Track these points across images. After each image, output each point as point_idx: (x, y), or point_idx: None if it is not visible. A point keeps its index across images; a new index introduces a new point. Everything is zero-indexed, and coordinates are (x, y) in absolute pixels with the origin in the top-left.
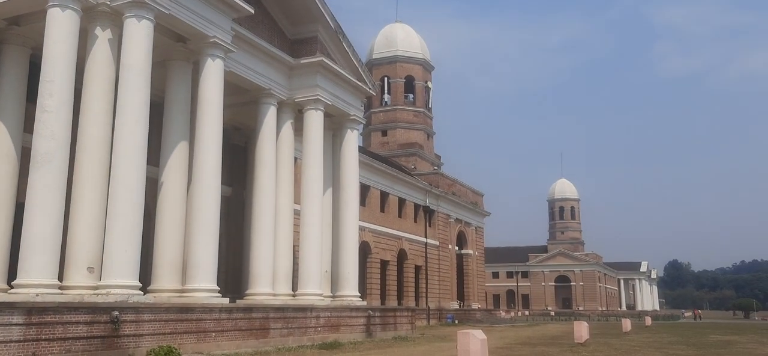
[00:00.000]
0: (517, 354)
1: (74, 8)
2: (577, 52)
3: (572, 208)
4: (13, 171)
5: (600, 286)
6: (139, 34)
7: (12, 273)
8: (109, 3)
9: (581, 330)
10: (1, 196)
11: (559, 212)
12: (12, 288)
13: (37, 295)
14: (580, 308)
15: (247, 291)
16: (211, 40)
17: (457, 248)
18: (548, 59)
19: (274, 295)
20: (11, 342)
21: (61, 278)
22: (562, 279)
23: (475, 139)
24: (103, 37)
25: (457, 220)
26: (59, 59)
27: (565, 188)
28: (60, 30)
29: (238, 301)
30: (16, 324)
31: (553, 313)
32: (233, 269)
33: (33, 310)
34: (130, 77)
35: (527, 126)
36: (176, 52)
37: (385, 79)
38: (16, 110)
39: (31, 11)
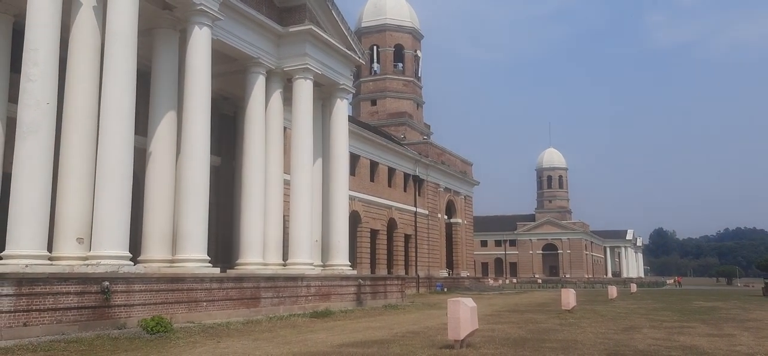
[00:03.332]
0: (506, 321)
1: None
2: (566, 23)
3: (560, 177)
4: None
5: (587, 254)
6: (124, 1)
7: (1, 245)
8: None
9: (568, 297)
10: None
11: (548, 181)
12: (1, 259)
13: (27, 266)
14: (567, 275)
15: (238, 261)
16: (198, 7)
17: (446, 217)
18: (538, 30)
19: (265, 265)
20: (2, 312)
21: (50, 249)
22: (550, 247)
23: (465, 109)
24: (87, 4)
25: (447, 189)
26: (43, 27)
27: (553, 157)
28: None
29: (228, 271)
30: (6, 295)
31: (540, 281)
32: (223, 239)
33: (23, 281)
34: (116, 45)
35: (517, 96)
36: (163, 20)
37: (375, 48)
38: (1, 79)
39: None
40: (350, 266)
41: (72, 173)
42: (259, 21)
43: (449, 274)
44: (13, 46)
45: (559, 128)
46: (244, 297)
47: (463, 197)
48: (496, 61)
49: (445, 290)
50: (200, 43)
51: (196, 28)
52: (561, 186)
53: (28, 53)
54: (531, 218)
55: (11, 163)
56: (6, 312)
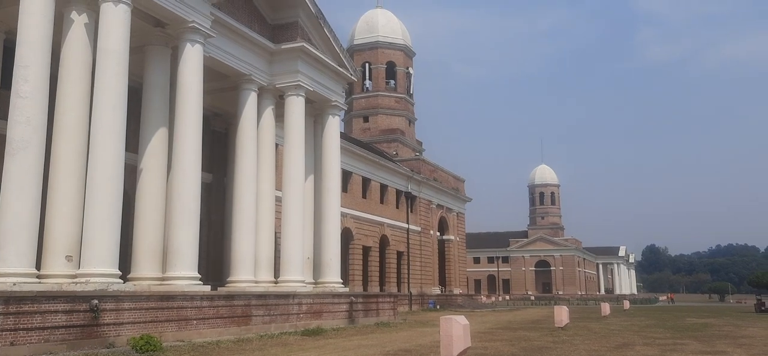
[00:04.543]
0: (498, 339)
1: None
2: (558, 41)
3: (552, 193)
4: None
5: (579, 270)
6: (115, 18)
7: None
8: None
9: (561, 315)
10: None
11: (540, 198)
12: None
13: (15, 284)
14: (560, 292)
15: (229, 279)
16: (190, 24)
17: (438, 233)
18: (530, 48)
19: (256, 282)
20: None
21: (38, 267)
22: (542, 264)
23: (457, 126)
24: (79, 21)
25: (439, 206)
26: (34, 44)
27: (545, 173)
28: (35, 14)
29: (219, 289)
30: None
31: (533, 298)
32: (214, 256)
33: (10, 299)
34: (107, 62)
35: (509, 113)
36: (154, 37)
37: (367, 65)
38: None
39: None
40: (342, 283)
41: (61, 190)
42: (251, 38)
43: (442, 291)
44: (4, 62)
45: (551, 145)
46: (235, 315)
47: (455, 213)
48: (487, 78)
49: (438, 307)
50: (192, 60)
51: (188, 45)
52: (553, 203)
53: (19, 70)
54: (523, 234)
55: (0, 180)
56: None
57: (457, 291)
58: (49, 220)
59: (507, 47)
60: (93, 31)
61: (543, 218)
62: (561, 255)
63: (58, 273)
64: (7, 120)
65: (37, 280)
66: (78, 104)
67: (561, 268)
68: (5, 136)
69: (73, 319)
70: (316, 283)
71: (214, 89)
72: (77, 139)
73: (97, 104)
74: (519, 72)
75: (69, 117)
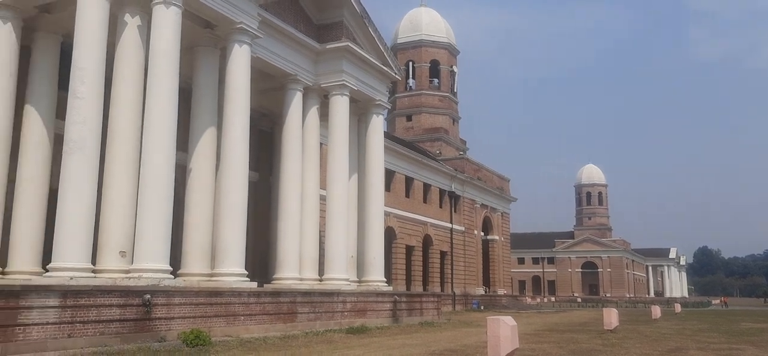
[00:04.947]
0: (546, 341)
1: None
2: (605, 37)
3: (600, 193)
4: (46, 157)
5: (628, 273)
6: (167, 20)
7: (47, 257)
8: None
9: (610, 317)
10: (36, 182)
11: (587, 198)
12: (47, 271)
13: (71, 278)
14: (607, 294)
15: (274, 276)
16: (238, 25)
17: (482, 233)
18: (575, 44)
19: (301, 280)
20: (48, 324)
21: (94, 262)
22: (589, 266)
23: (502, 124)
24: (132, 23)
25: (483, 205)
26: (90, 46)
27: (592, 173)
28: (90, 17)
29: (265, 286)
30: (52, 307)
31: (579, 300)
32: (260, 253)
33: (68, 293)
34: (159, 64)
35: (555, 111)
36: (204, 38)
37: (410, 63)
38: (49, 97)
39: None
40: (386, 282)
41: (115, 188)
42: (296, 38)
43: (486, 292)
44: (61, 64)
45: (599, 144)
46: (281, 312)
47: (500, 213)
48: (533, 76)
49: (482, 308)
50: (240, 60)
51: (236, 45)
52: (600, 203)
53: (75, 71)
54: (569, 235)
55: (58, 178)
56: (52, 324)
57: (501, 291)
58: (103, 216)
59: (552, 44)
60: (145, 33)
61: (590, 218)
62: (609, 257)
63: (112, 268)
64: (64, 120)
65: (93, 275)
66: (131, 105)
67: (609, 270)
68: (62, 136)
69: (126, 313)
70: (360, 282)
71: (260, 89)
72: (130, 138)
73: (149, 104)
74: (565, 69)
75: (123, 117)
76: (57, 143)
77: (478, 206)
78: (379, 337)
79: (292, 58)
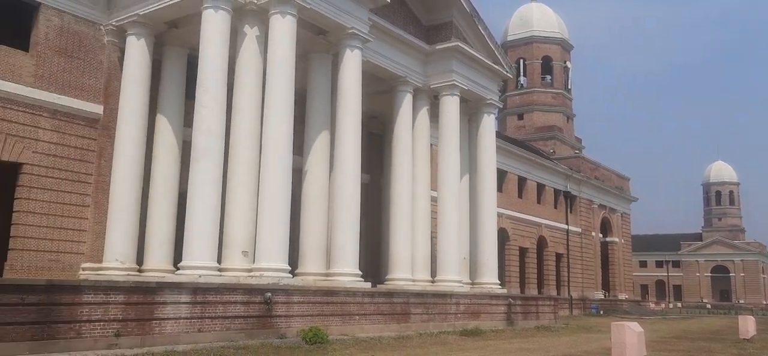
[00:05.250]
0: (675, 349)
1: (225, 8)
2: (732, 26)
3: (731, 192)
4: (175, 163)
5: (764, 277)
6: (283, 29)
7: (177, 256)
8: (256, 1)
9: (747, 325)
10: (166, 185)
11: (716, 198)
12: (178, 269)
13: (200, 276)
14: (741, 301)
15: (387, 277)
16: (350, 31)
17: (601, 235)
18: (699, 34)
19: (414, 281)
20: (180, 318)
21: (219, 260)
22: (720, 270)
23: (620, 120)
24: (251, 34)
25: (601, 206)
26: (213, 57)
27: (722, 171)
28: (214, 29)
29: (378, 286)
30: (183, 303)
31: (709, 306)
32: (372, 254)
33: (197, 290)
34: (276, 71)
35: (677, 106)
36: (317, 45)
37: (521, 61)
38: (177, 106)
39: (188, 14)
40: (500, 284)
41: (237, 191)
42: (406, 40)
43: (605, 296)
44: (187, 76)
45: (728, 139)
46: (395, 312)
47: (619, 214)
48: (652, 69)
49: (601, 312)
50: (351, 64)
51: (348, 50)
52: (732, 202)
53: (201, 82)
54: (697, 237)
55: (186, 182)
56: (184, 319)
57: (622, 296)
58: (227, 218)
59: (674, 35)
60: (263, 42)
61: (720, 219)
62: (742, 260)
63: (236, 267)
64: (190, 128)
65: (218, 273)
66: (251, 111)
67: (742, 274)
68: (189, 142)
69: (249, 310)
70: (473, 283)
71: (371, 92)
72: (251, 144)
73: (267, 110)
74: (688, 61)
75: (243, 124)
76: (185, 149)
77: (596, 206)
78: (494, 340)
79: (401, 61)
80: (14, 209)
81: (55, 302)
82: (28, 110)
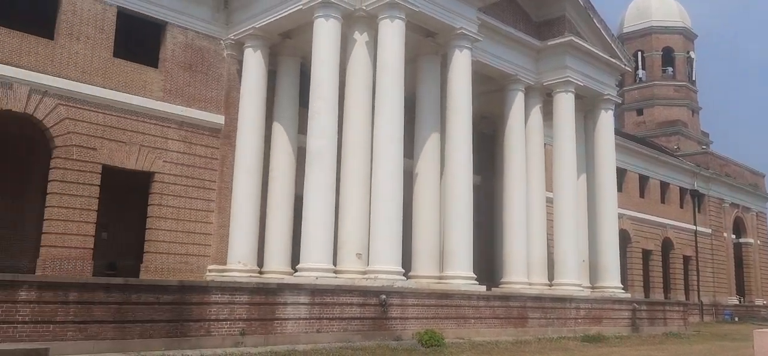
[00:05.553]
0: None
1: (336, 17)
2: None
3: None
4: (291, 168)
5: None
6: (392, 33)
7: (294, 258)
8: (365, 8)
9: None
10: (283, 190)
11: None
12: (296, 271)
13: (317, 278)
14: None
15: (502, 280)
16: (458, 31)
17: (733, 236)
18: None
19: (530, 284)
20: (300, 319)
21: (334, 263)
22: None
23: (753, 113)
24: (360, 40)
25: (733, 205)
26: (326, 64)
27: None
28: (325, 37)
29: (493, 289)
30: (302, 304)
31: None
32: (485, 257)
33: (315, 291)
34: (386, 76)
35: None
36: (425, 47)
37: (638, 53)
38: (292, 113)
39: (300, 24)
40: (623, 288)
41: (350, 194)
42: (516, 38)
43: (740, 301)
44: (300, 84)
45: None
46: (511, 317)
47: (754, 213)
48: None
49: (736, 319)
50: (461, 65)
51: (457, 51)
52: None
53: (314, 89)
54: None
55: (302, 186)
56: (303, 319)
57: (758, 301)
58: (341, 220)
59: None
60: (373, 48)
61: None
62: None
63: (350, 269)
64: (305, 135)
65: (334, 275)
66: (362, 116)
67: None
68: (303, 148)
69: (365, 312)
70: (593, 287)
71: (480, 92)
72: (362, 148)
73: (378, 114)
74: None
75: (354, 128)
76: (300, 154)
77: (727, 205)
78: (619, 347)
79: (512, 59)
80: (148, 215)
81: (186, 301)
82: (158, 122)
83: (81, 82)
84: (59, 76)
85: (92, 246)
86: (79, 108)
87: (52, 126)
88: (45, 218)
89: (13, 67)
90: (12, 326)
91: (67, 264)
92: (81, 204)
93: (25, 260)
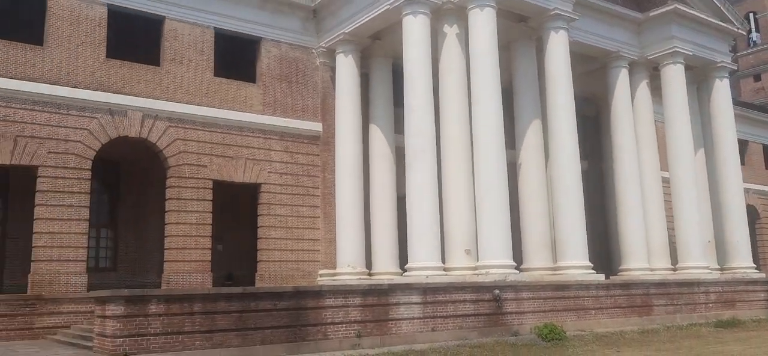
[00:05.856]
0: None
1: (424, 12)
2: None
3: None
4: (390, 169)
5: None
6: (483, 22)
7: (402, 258)
8: (453, 0)
9: None
10: (385, 191)
11: None
12: (405, 271)
13: (427, 277)
14: None
15: (620, 267)
16: (553, 12)
17: None
18: None
19: (651, 270)
20: (414, 318)
21: (442, 260)
22: None
23: None
24: (451, 33)
25: None
26: (418, 61)
27: None
28: (415, 34)
29: (612, 277)
30: (415, 303)
31: None
32: (599, 244)
33: (427, 290)
34: (480, 66)
35: None
36: (518, 33)
37: (751, 15)
38: (387, 114)
39: (389, 24)
40: (756, 268)
41: (453, 190)
42: (615, 13)
43: None
44: (393, 85)
45: None
46: (634, 305)
47: None
48: None
49: None
50: (558, 47)
51: (552, 33)
52: None
53: (408, 87)
54: None
55: (403, 186)
56: (417, 319)
57: None
58: (446, 217)
59: None
60: (464, 39)
61: None
62: None
63: (460, 266)
64: (402, 134)
65: (444, 273)
66: (458, 109)
67: None
68: (401, 148)
69: (479, 308)
70: (722, 269)
71: (580, 73)
72: (462, 142)
73: (475, 106)
74: None
75: (452, 123)
76: (398, 154)
77: None
78: (758, 331)
79: (612, 35)
80: (258, 225)
81: (302, 306)
82: (260, 134)
83: (187, 103)
84: (167, 100)
85: (210, 259)
86: (188, 128)
87: (164, 147)
88: (165, 235)
89: (127, 96)
90: (145, 338)
91: (189, 277)
92: (197, 219)
93: (150, 276)
